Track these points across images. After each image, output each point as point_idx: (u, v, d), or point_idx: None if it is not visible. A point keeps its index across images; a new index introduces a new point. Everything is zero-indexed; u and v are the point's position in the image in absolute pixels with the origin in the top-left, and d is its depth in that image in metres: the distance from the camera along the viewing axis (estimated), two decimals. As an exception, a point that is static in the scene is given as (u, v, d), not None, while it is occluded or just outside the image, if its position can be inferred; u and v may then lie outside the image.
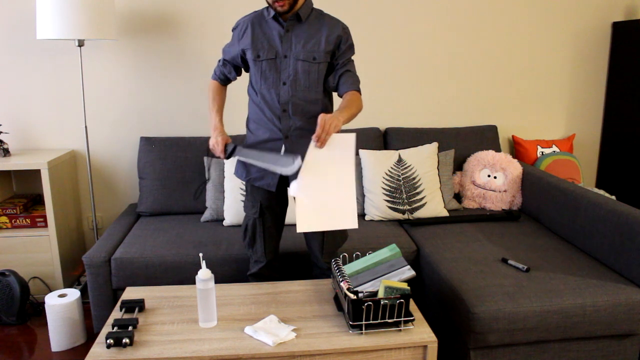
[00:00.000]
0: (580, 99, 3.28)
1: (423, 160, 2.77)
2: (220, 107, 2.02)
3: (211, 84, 2.09)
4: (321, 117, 1.73)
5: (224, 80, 2.09)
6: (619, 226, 2.08)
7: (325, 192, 1.83)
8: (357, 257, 2.16)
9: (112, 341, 1.59)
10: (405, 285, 1.71)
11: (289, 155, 1.79)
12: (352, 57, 2.02)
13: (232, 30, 2.01)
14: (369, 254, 1.94)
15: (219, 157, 1.89)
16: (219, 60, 2.08)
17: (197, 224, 2.65)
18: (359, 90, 1.98)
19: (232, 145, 1.90)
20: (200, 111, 3.00)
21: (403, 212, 2.69)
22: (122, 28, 2.87)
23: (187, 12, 2.89)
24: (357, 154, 2.85)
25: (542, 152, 3.14)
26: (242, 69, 2.08)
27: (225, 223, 2.62)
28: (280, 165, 1.79)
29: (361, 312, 1.66)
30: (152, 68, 2.93)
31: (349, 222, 1.85)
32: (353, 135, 1.82)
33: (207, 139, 2.86)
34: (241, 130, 2.92)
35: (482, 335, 1.84)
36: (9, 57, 2.84)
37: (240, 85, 2.74)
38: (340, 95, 2.00)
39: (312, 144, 1.77)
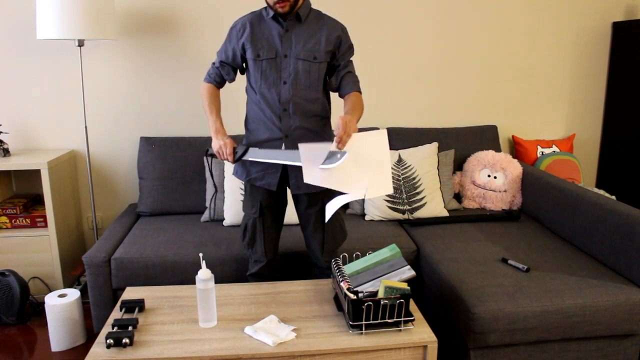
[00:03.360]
0: (580, 99, 3.28)
1: (423, 160, 2.77)
2: (219, 110, 1.99)
3: (206, 87, 2.03)
4: (341, 119, 1.72)
5: (219, 83, 2.05)
6: (619, 226, 2.07)
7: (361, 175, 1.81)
8: (357, 257, 2.16)
9: (112, 341, 1.59)
10: (405, 285, 1.71)
11: (295, 150, 1.82)
12: (352, 58, 2.03)
13: (230, 30, 1.99)
14: (369, 254, 1.94)
15: (223, 160, 1.90)
16: (213, 63, 2.05)
17: (197, 224, 2.65)
18: (359, 91, 1.99)
19: (243, 148, 1.89)
20: (200, 111, 2.99)
21: (403, 212, 2.69)
22: (122, 28, 2.87)
23: (187, 12, 2.89)
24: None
25: (542, 152, 3.13)
26: (239, 71, 2.05)
27: (225, 223, 2.62)
28: (295, 158, 1.82)
29: (361, 312, 1.66)
30: (152, 68, 2.93)
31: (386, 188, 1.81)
32: (384, 132, 1.80)
33: (207, 139, 2.86)
34: (239, 130, 2.91)
35: (482, 335, 1.84)
36: (9, 57, 2.84)
37: (239, 85, 2.73)
38: (341, 96, 2.00)
39: (333, 145, 1.75)
